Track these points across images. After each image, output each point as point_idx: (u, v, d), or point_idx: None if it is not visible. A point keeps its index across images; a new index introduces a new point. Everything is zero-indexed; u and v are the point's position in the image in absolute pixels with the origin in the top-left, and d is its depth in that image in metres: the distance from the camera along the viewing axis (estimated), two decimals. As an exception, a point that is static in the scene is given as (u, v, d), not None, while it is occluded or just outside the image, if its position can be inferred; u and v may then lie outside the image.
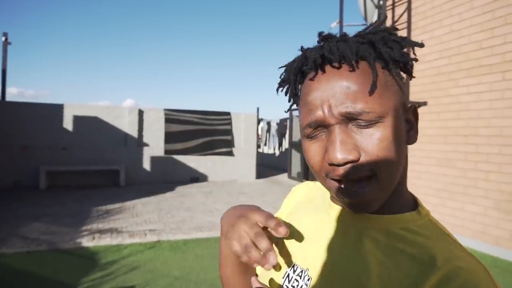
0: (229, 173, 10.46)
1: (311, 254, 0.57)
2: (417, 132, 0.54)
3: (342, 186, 0.49)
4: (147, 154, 9.59)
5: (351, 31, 0.55)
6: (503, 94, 4.28)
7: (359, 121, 0.47)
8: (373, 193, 0.49)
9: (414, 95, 5.43)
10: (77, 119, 9.05)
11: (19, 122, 8.47)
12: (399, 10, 5.73)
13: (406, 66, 0.53)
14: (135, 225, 5.23)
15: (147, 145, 9.73)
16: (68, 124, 8.99)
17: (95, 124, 9.21)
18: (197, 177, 10.10)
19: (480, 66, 4.54)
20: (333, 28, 7.29)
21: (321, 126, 0.50)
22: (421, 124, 5.35)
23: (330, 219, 0.59)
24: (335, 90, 0.48)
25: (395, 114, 0.50)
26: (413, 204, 0.57)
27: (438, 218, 5.03)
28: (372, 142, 0.47)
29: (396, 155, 0.48)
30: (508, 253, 4.18)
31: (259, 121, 12.90)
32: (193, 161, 10.09)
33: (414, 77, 0.57)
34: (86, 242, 4.39)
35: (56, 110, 8.89)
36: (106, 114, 9.38)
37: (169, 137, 9.74)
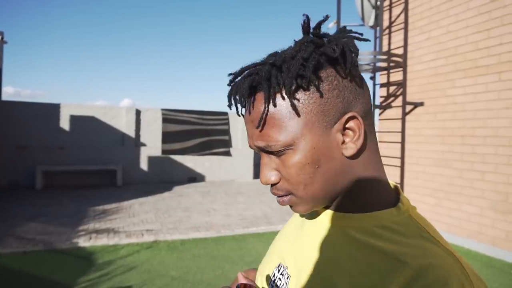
0: (226, 173, 10.46)
1: (291, 252, 0.61)
2: (359, 140, 0.51)
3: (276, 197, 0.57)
4: (145, 154, 9.57)
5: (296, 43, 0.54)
6: (499, 94, 4.30)
7: (270, 152, 0.53)
8: (295, 203, 0.55)
9: (411, 96, 5.45)
10: (74, 119, 9.02)
11: (16, 121, 8.43)
12: (396, 10, 5.75)
13: (314, 78, 0.50)
14: (132, 225, 5.22)
15: (144, 145, 9.71)
16: (65, 123, 8.96)
17: (92, 124, 9.18)
18: (194, 177, 10.09)
19: (476, 67, 4.56)
20: (330, 28, 7.30)
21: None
22: (418, 125, 5.37)
23: (312, 218, 0.61)
24: (249, 125, 0.55)
25: (309, 139, 0.51)
26: (395, 199, 0.57)
27: (434, 218, 5.06)
28: (285, 168, 0.53)
29: (310, 177, 0.52)
30: (504, 253, 4.21)
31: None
32: (190, 161, 10.08)
33: (353, 76, 0.52)
34: (83, 242, 4.38)
35: (53, 109, 8.86)
36: (103, 114, 9.35)
37: (167, 137, 9.72)
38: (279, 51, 0.54)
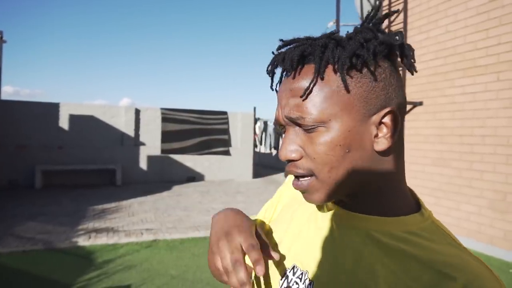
0: (225, 173, 10.46)
1: (310, 256, 0.56)
2: (391, 138, 0.51)
3: (293, 181, 0.54)
4: (144, 153, 9.57)
5: (348, 31, 0.55)
6: (497, 94, 4.31)
7: (301, 125, 0.51)
8: (313, 189, 0.52)
9: (411, 95, 5.46)
10: (73, 118, 9.02)
11: (15, 121, 8.42)
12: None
13: (379, 63, 0.50)
14: (132, 224, 5.22)
15: (143, 144, 9.71)
16: (64, 123, 8.96)
17: (91, 123, 9.18)
18: (193, 177, 10.09)
19: (475, 67, 4.57)
20: (330, 27, 7.31)
21: (281, 125, 0.54)
22: (417, 124, 5.38)
23: (330, 218, 0.57)
24: (284, 94, 0.52)
25: (345, 120, 0.49)
26: (416, 205, 0.56)
27: (433, 218, 5.07)
28: (313, 145, 0.50)
29: (337, 160, 0.49)
30: (502, 252, 4.22)
31: (256, 120, 12.91)
32: (189, 161, 10.08)
33: (413, 71, 0.53)
34: (82, 241, 4.38)
35: (52, 109, 8.85)
36: (102, 113, 9.35)
37: (166, 136, 9.73)
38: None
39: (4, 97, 12.42)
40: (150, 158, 9.62)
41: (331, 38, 0.51)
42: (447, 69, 4.93)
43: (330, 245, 0.54)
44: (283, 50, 0.54)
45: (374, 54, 0.49)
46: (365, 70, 0.49)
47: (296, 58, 0.50)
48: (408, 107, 5.47)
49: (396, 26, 5.72)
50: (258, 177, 11.12)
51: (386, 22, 5.88)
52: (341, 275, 0.50)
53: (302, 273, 0.55)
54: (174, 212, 6.07)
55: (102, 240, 4.46)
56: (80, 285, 3.27)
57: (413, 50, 0.52)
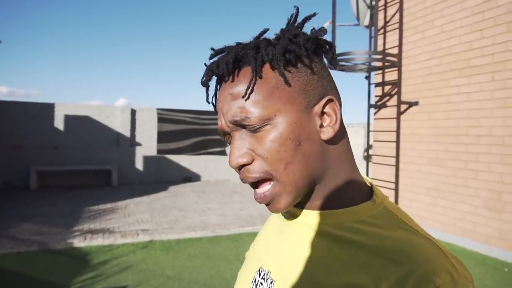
0: (222, 173, 10.45)
1: (273, 256, 0.58)
2: (336, 124, 0.52)
3: (254, 190, 0.54)
4: (140, 154, 9.54)
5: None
6: (492, 94, 4.34)
7: (247, 126, 0.50)
8: (277, 194, 0.51)
9: (406, 95, 5.48)
10: (68, 119, 8.97)
11: (10, 121, 8.37)
12: (391, 10, 5.77)
13: (310, 57, 0.52)
14: (127, 225, 5.20)
15: (139, 144, 9.67)
16: (59, 123, 8.91)
17: (87, 124, 9.14)
18: (190, 177, 10.07)
19: (470, 67, 4.60)
20: (326, 28, 7.32)
21: (226, 134, 0.54)
22: (412, 124, 5.40)
23: (290, 220, 0.59)
24: (225, 101, 0.52)
25: (290, 114, 0.50)
26: (369, 193, 0.56)
27: (429, 217, 5.09)
28: (262, 145, 0.50)
29: (291, 155, 0.50)
30: (497, 251, 4.25)
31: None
32: (186, 161, 10.06)
33: (336, 66, 0.54)
34: (78, 242, 4.36)
35: (47, 109, 8.80)
36: (98, 113, 9.31)
37: (162, 137, 9.69)
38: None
39: (-2, 98, 12.34)
40: (146, 159, 9.58)
41: (261, 39, 0.52)
42: (443, 69, 4.96)
43: (287, 243, 0.57)
44: (215, 59, 0.55)
45: (305, 48, 0.51)
46: (299, 64, 0.51)
47: (231, 61, 0.51)
48: (404, 107, 5.49)
49: (392, 26, 5.74)
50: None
51: (382, 23, 5.90)
52: (300, 274, 0.52)
53: (265, 273, 0.57)
54: (170, 213, 6.05)
55: (97, 241, 4.43)
56: (75, 286, 3.25)
57: (334, 46, 0.54)
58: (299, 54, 0.50)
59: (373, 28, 5.81)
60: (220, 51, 0.55)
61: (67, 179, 8.71)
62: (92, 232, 4.76)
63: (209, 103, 0.57)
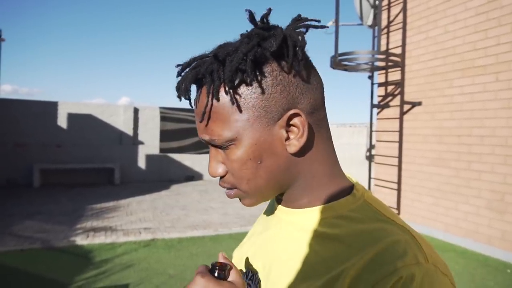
0: (224, 172, 10.44)
1: (259, 258, 0.60)
2: (302, 138, 0.51)
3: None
4: (142, 152, 9.56)
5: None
6: (496, 95, 4.32)
7: (216, 146, 0.54)
8: (241, 197, 0.56)
9: (409, 95, 5.47)
10: (71, 117, 9.00)
11: (13, 119, 8.40)
12: (395, 10, 5.76)
13: (259, 73, 0.49)
14: (130, 223, 5.22)
15: (142, 143, 9.69)
16: (62, 121, 8.94)
17: (89, 122, 9.16)
18: (192, 176, 10.08)
19: (474, 67, 4.58)
20: (329, 27, 7.31)
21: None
22: (415, 124, 5.39)
23: (274, 218, 0.61)
24: (196, 118, 0.55)
25: (249, 135, 0.50)
26: (350, 190, 0.56)
27: (431, 218, 5.08)
28: (229, 162, 0.53)
29: (252, 173, 0.52)
30: (499, 252, 4.23)
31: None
32: (188, 160, 10.07)
33: (297, 70, 0.51)
34: (80, 240, 4.37)
35: (51, 107, 8.83)
36: (100, 112, 9.34)
37: (165, 135, 9.71)
38: (229, 42, 0.53)
39: (2, 96, 12.39)
40: (149, 157, 9.60)
41: (216, 57, 0.50)
42: (446, 69, 4.94)
43: (272, 243, 0.59)
44: (183, 74, 0.54)
45: (258, 65, 0.49)
46: (254, 81, 0.49)
47: (189, 84, 0.52)
48: (407, 107, 5.48)
49: (395, 26, 5.72)
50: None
51: (385, 23, 5.88)
52: (282, 271, 0.54)
53: (252, 275, 0.60)
54: (172, 211, 6.06)
55: (100, 239, 4.45)
56: (78, 284, 3.27)
57: (300, 45, 0.50)
58: (249, 74, 0.48)
59: (376, 27, 5.79)
60: (186, 66, 0.54)
61: (70, 177, 8.74)
62: (95, 230, 4.78)
63: (192, 107, 0.58)
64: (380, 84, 5.99)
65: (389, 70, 5.71)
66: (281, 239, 0.57)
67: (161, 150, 9.77)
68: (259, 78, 0.49)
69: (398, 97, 5.50)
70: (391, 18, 5.82)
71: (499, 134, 4.28)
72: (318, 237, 0.52)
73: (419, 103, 5.31)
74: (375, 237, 0.48)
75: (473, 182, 4.56)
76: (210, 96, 0.50)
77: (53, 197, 6.93)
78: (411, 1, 5.50)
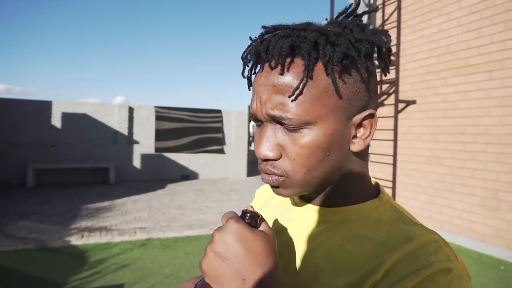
0: (220, 171, 10.45)
1: (280, 250, 0.58)
2: (368, 139, 0.52)
3: (262, 173, 0.52)
4: (138, 152, 9.52)
5: (326, 19, 0.53)
6: (489, 93, 4.35)
7: (285, 125, 0.48)
8: (285, 186, 0.51)
9: (404, 94, 5.49)
10: (66, 116, 8.94)
11: (7, 118, 8.33)
12: (389, 9, 5.78)
13: (366, 64, 0.49)
14: (125, 223, 5.20)
15: (137, 142, 9.66)
16: (56, 121, 8.88)
17: (84, 122, 9.11)
18: (188, 175, 10.06)
19: (467, 66, 4.61)
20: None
21: (258, 120, 0.51)
22: (410, 123, 5.41)
23: (295, 215, 0.60)
24: (266, 89, 0.49)
25: (330, 123, 0.48)
26: (376, 192, 0.58)
27: (426, 215, 5.11)
28: (294, 146, 0.49)
29: (317, 163, 0.49)
30: (493, 249, 4.27)
31: (250, 118, 12.89)
32: (184, 159, 10.05)
33: (387, 73, 0.55)
34: (75, 240, 4.35)
35: (45, 107, 8.77)
36: (95, 111, 9.28)
37: (160, 135, 9.69)
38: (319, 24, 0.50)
39: (-5, 95, 12.24)
40: (144, 157, 9.57)
41: (321, 33, 0.47)
42: (440, 68, 4.97)
43: (295, 239, 0.57)
44: (265, 37, 0.51)
45: (365, 56, 0.49)
46: (353, 71, 0.48)
47: (285, 52, 0.47)
48: (401, 105, 5.50)
49: (390, 24, 5.74)
50: (252, 175, 11.12)
51: (379, 21, 5.89)
52: (300, 261, 0.54)
53: None
54: (168, 211, 6.05)
55: (95, 239, 4.43)
56: (73, 284, 3.25)
57: (391, 53, 0.53)
58: (356, 62, 0.48)
59: (370, 26, 5.81)
60: (272, 29, 0.51)
61: (65, 176, 8.69)
62: (90, 230, 4.76)
63: (244, 77, 0.54)
64: (375, 83, 6.00)
65: (384, 68, 5.72)
66: (305, 235, 0.56)
67: (157, 149, 9.74)
68: (361, 71, 0.49)
69: (393, 96, 5.52)
70: (386, 17, 5.84)
71: (492, 132, 4.31)
72: (348, 236, 0.52)
73: (414, 102, 5.34)
74: (407, 237, 0.48)
75: (467, 180, 4.60)
76: (307, 71, 0.46)
77: (48, 197, 6.88)
78: (405, 0, 5.53)
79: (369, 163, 6.12)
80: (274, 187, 0.52)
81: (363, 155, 0.55)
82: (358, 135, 0.51)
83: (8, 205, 6.09)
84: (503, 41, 4.20)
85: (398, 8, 5.44)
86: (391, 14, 5.73)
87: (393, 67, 5.46)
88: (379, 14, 5.90)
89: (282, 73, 0.47)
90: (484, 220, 4.39)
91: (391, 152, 5.54)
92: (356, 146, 0.51)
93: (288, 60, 0.47)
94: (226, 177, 10.46)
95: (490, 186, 4.32)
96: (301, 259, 0.54)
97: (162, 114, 9.81)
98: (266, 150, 0.50)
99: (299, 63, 0.47)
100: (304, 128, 0.48)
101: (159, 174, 9.74)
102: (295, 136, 0.48)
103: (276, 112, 0.48)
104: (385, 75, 0.56)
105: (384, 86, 5.86)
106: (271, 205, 0.68)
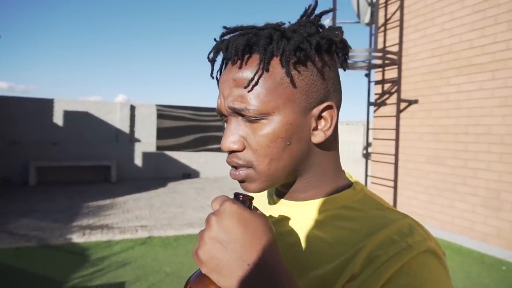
0: (221, 169, 10.45)
1: None
2: (328, 131, 0.53)
3: (230, 169, 0.55)
4: (139, 150, 9.53)
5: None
6: (492, 92, 4.33)
7: (245, 116, 0.51)
8: (251, 179, 0.53)
9: (406, 93, 5.48)
10: (67, 114, 8.95)
11: (9, 116, 8.34)
12: (392, 8, 5.75)
13: (322, 57, 0.52)
14: (126, 221, 5.20)
15: (138, 140, 9.66)
16: (58, 119, 8.89)
17: (86, 120, 9.12)
18: (189, 173, 10.07)
19: (470, 65, 4.59)
20: (326, 25, 7.29)
21: (223, 115, 0.54)
22: (412, 122, 5.40)
23: (275, 211, 0.60)
24: (228, 84, 0.52)
25: (287, 113, 0.50)
26: (349, 183, 0.59)
27: (427, 215, 5.10)
28: (255, 137, 0.51)
29: (278, 152, 0.51)
30: (494, 249, 4.26)
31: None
32: (185, 157, 10.05)
33: (346, 68, 0.56)
34: (77, 238, 4.36)
35: (47, 105, 8.78)
36: (97, 109, 9.29)
37: (161, 133, 9.68)
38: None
39: (-3, 93, 12.29)
40: (145, 155, 9.58)
41: (276, 29, 0.51)
42: (443, 67, 4.95)
43: (277, 234, 0.58)
44: (226, 37, 0.54)
45: (317, 48, 0.51)
46: (308, 63, 0.51)
47: (241, 47, 0.50)
48: (403, 105, 5.49)
49: (393, 23, 5.72)
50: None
51: (382, 20, 5.88)
52: (287, 260, 0.53)
53: None
54: (169, 209, 6.05)
55: (96, 237, 4.43)
56: (74, 282, 3.25)
57: (348, 47, 0.54)
58: (309, 54, 0.50)
59: (373, 25, 5.79)
60: (233, 30, 0.54)
61: (66, 174, 8.70)
62: (91, 228, 4.76)
63: (213, 78, 0.57)
64: (377, 82, 6.00)
65: (386, 68, 5.71)
66: (283, 231, 0.57)
67: (158, 147, 9.74)
68: (316, 62, 0.51)
69: (395, 95, 5.51)
70: (388, 16, 5.82)
71: (495, 132, 4.29)
72: (322, 226, 0.53)
73: (416, 101, 5.32)
74: (381, 223, 0.50)
75: (469, 180, 4.58)
76: (262, 64, 0.49)
77: (49, 195, 6.89)
78: (408, -1, 5.50)
79: (371, 162, 6.11)
80: (241, 182, 0.54)
81: (330, 147, 0.56)
82: (319, 127, 0.53)
83: (10, 203, 6.11)
84: (507, 41, 4.18)
85: (401, 7, 5.42)
86: (393, 13, 5.70)
87: (396, 66, 5.44)
88: (381, 13, 5.88)
89: (240, 68, 0.50)
90: (486, 220, 4.37)
91: (392, 151, 5.52)
92: (317, 137, 0.53)
93: (247, 56, 0.50)
94: (227, 176, 10.45)
95: (493, 186, 4.30)
96: (284, 253, 0.53)
97: (163, 113, 9.81)
98: (229, 142, 0.52)
99: (256, 58, 0.50)
100: (263, 118, 0.50)
101: (161, 172, 9.74)
102: (255, 127, 0.51)
103: (236, 105, 0.50)
104: (344, 70, 0.56)
105: (386, 85, 5.85)
106: (258, 204, 0.69)
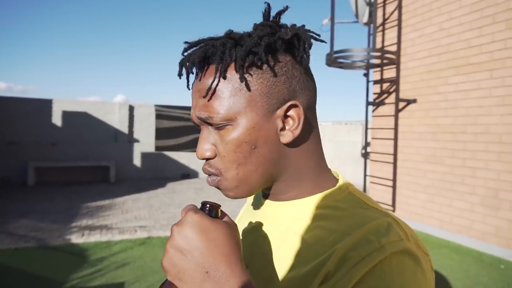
0: (220, 170, 10.44)
1: (247, 251, 0.59)
2: (296, 130, 0.53)
3: (207, 177, 0.56)
4: (138, 150, 9.52)
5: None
6: (490, 92, 4.35)
7: (212, 124, 0.52)
8: (224, 187, 0.55)
9: (404, 93, 5.49)
10: (66, 115, 8.94)
11: (7, 117, 8.33)
12: (390, 7, 5.76)
13: (278, 59, 0.52)
14: (125, 221, 5.20)
15: (137, 141, 9.66)
16: (57, 119, 8.88)
17: (85, 120, 9.11)
18: (188, 174, 10.07)
19: (468, 64, 4.60)
20: (325, 25, 7.30)
21: (196, 124, 0.57)
22: (410, 121, 5.41)
23: (260, 215, 0.61)
24: (194, 95, 0.54)
25: (249, 117, 0.51)
26: (335, 182, 0.59)
27: (426, 214, 5.11)
28: (222, 144, 0.52)
29: (244, 157, 0.52)
30: (493, 248, 4.27)
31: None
32: (184, 157, 10.05)
33: (304, 64, 0.54)
34: (76, 238, 4.35)
35: (45, 105, 8.77)
36: (96, 109, 9.28)
37: (160, 133, 9.67)
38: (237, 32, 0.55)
39: (-5, 93, 12.27)
40: (144, 155, 9.57)
41: (229, 37, 0.52)
42: (441, 67, 4.96)
43: (256, 234, 0.59)
44: (189, 51, 0.55)
45: (269, 50, 0.51)
46: (264, 66, 0.51)
47: (197, 60, 0.52)
48: (402, 104, 5.50)
49: (391, 23, 5.73)
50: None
51: (380, 20, 5.88)
52: (266, 261, 0.54)
53: None
54: (168, 209, 6.05)
55: (95, 237, 4.43)
56: (73, 282, 3.25)
57: (308, 44, 0.53)
58: (261, 57, 0.50)
59: (371, 25, 5.80)
60: (194, 44, 0.55)
61: (65, 175, 8.69)
62: (90, 229, 4.76)
63: (189, 89, 0.58)
64: (375, 82, 6.00)
65: (385, 67, 5.72)
66: (267, 233, 0.57)
67: (157, 148, 9.73)
68: (270, 63, 0.51)
69: (393, 95, 5.52)
70: (386, 16, 5.83)
71: (493, 131, 4.31)
72: (304, 226, 0.53)
73: (414, 101, 5.33)
74: (359, 222, 0.50)
75: (467, 179, 4.59)
76: (218, 73, 0.51)
77: (48, 195, 6.89)
78: (406, -1, 5.51)
79: (370, 162, 6.12)
80: (219, 189, 0.56)
81: (305, 146, 0.56)
82: (287, 127, 0.53)
83: (9, 204, 6.10)
84: (505, 40, 4.19)
85: (399, 7, 5.43)
86: (392, 13, 5.71)
87: (394, 66, 5.45)
88: (379, 13, 5.89)
89: (201, 79, 0.53)
90: (485, 219, 4.39)
91: (391, 151, 5.53)
92: (285, 137, 0.53)
93: (205, 67, 0.53)
94: (227, 176, 10.45)
95: (491, 185, 4.31)
96: (267, 255, 0.55)
97: (162, 113, 9.80)
98: (202, 150, 0.54)
99: (213, 68, 0.52)
100: (228, 125, 0.51)
101: (159, 173, 9.74)
102: (222, 133, 0.52)
103: (201, 114, 0.52)
104: (302, 65, 0.55)
105: (385, 85, 5.86)
106: (249, 208, 0.70)
